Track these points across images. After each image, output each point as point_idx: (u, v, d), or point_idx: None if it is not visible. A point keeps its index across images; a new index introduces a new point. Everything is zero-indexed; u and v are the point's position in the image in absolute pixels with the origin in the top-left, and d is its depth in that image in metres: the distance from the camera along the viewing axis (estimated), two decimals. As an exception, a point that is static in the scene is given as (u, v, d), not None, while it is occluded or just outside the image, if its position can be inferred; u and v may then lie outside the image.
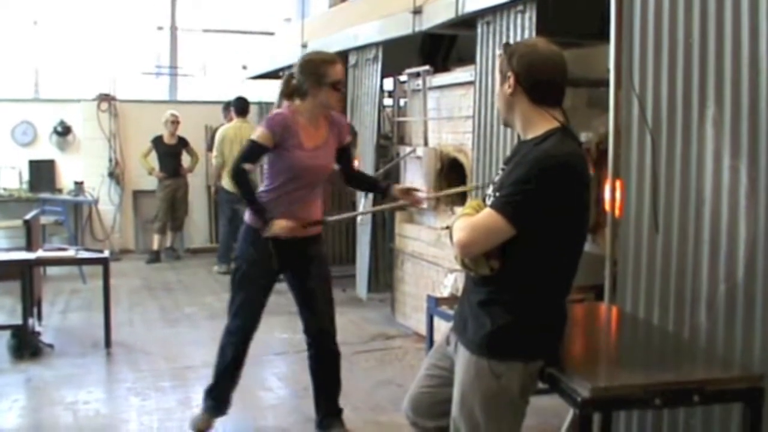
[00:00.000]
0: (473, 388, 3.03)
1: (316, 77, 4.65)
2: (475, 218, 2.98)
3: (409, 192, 5.00)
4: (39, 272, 7.83)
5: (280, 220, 4.69)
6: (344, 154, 4.98)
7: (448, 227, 3.14)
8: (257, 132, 4.77)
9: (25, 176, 11.80)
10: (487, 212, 2.95)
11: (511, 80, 3.04)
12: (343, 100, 4.83)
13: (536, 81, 3.02)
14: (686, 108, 3.95)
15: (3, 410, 5.56)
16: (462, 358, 3.10)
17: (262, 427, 5.44)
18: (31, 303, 7.01)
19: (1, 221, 10.17)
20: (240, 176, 4.74)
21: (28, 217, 7.63)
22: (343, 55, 8.76)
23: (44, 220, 10.07)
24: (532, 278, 2.99)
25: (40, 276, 7.95)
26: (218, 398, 5.05)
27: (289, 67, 10.54)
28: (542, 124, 3.03)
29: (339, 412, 5.11)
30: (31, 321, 6.94)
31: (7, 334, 6.91)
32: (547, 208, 2.88)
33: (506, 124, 3.26)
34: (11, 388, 6.00)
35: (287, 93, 4.81)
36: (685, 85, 3.95)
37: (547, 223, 2.90)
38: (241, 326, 4.97)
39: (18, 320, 6.92)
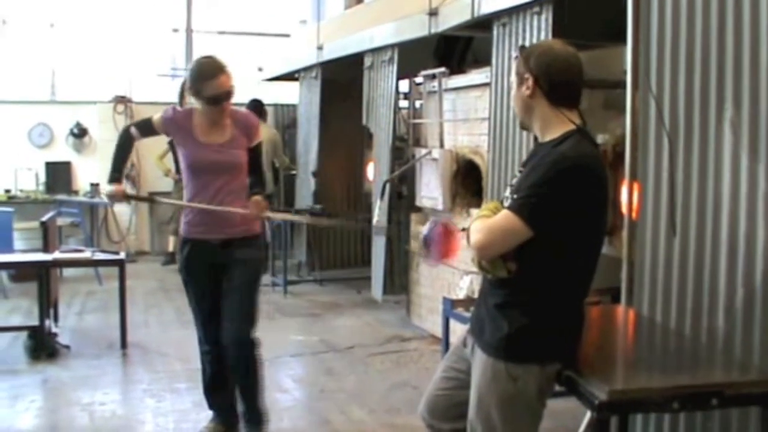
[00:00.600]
0: (490, 390, 3.02)
1: (195, 90, 4.67)
2: (492, 220, 2.98)
3: (254, 205, 4.79)
4: (55, 273, 7.86)
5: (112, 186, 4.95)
6: (252, 155, 4.86)
7: (464, 229, 3.14)
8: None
9: (42, 178, 11.86)
10: (504, 214, 2.94)
11: (530, 82, 3.03)
12: (224, 110, 4.73)
13: (555, 82, 3.01)
14: (704, 110, 3.93)
15: (20, 411, 5.58)
16: (479, 361, 3.09)
17: (278, 428, 5.42)
18: (47, 304, 7.04)
19: (18, 223, 10.19)
20: (123, 136, 5.08)
21: (44, 218, 7.66)
22: (358, 57, 8.78)
23: (60, 221, 10.12)
24: (549, 281, 2.98)
25: (56, 277, 7.98)
26: (220, 409, 5.08)
27: (306, 69, 10.60)
28: (560, 126, 3.02)
29: (259, 418, 4.96)
30: (47, 322, 6.97)
31: (24, 335, 6.93)
32: (563, 210, 2.87)
33: (524, 127, 3.25)
34: (28, 388, 6.03)
35: (183, 95, 4.93)
36: (702, 86, 3.93)
37: (564, 226, 2.89)
38: (203, 334, 4.95)
39: (35, 321, 6.95)
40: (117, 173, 5.06)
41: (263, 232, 5.02)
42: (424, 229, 3.95)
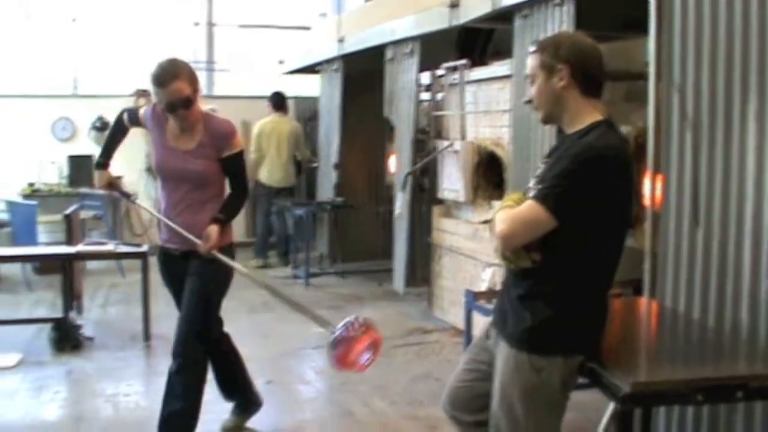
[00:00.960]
0: (513, 382, 3.03)
1: (154, 94, 4.43)
2: (516, 210, 2.97)
3: (205, 239, 4.45)
4: (79, 266, 7.91)
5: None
6: (226, 167, 4.59)
7: (487, 221, 3.14)
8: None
9: (65, 171, 11.92)
10: (529, 204, 2.94)
11: (564, 72, 3.00)
12: (187, 116, 4.45)
13: (588, 72, 3.01)
14: (728, 101, 3.91)
15: (45, 402, 5.63)
16: (502, 352, 3.09)
17: (300, 420, 5.46)
18: (71, 296, 7.09)
19: (41, 216, 10.27)
20: (116, 121, 4.88)
21: (68, 211, 7.71)
22: (379, 50, 8.78)
23: (83, 214, 10.17)
24: (573, 271, 2.97)
25: (80, 270, 8.03)
26: (237, 399, 5.14)
27: (327, 61, 10.60)
28: (589, 116, 3.01)
29: None
30: (72, 314, 7.02)
31: (48, 326, 6.98)
32: (588, 200, 2.87)
33: (547, 121, 3.21)
34: (53, 380, 6.07)
35: None
36: (726, 77, 3.91)
37: (589, 216, 2.89)
38: None
39: (59, 313, 7.01)
40: (103, 158, 4.88)
41: (229, 244, 4.68)
42: (339, 326, 3.94)
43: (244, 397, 5.16)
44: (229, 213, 4.60)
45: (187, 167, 4.51)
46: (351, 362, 4.00)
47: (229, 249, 4.68)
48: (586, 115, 3.01)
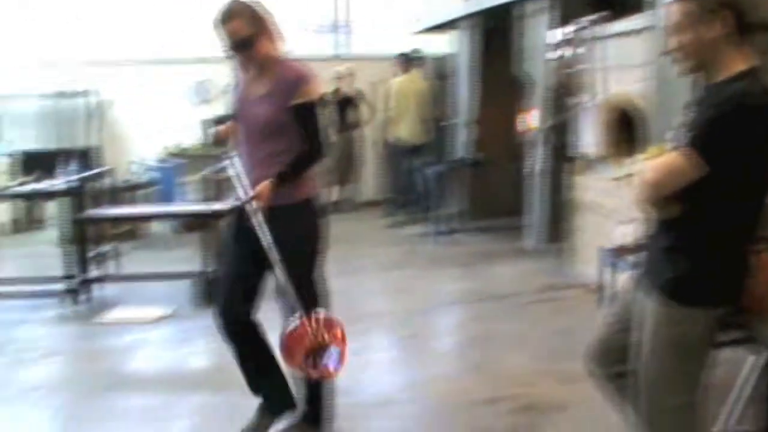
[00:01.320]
0: (656, 333, 2.99)
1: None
2: (663, 158, 2.91)
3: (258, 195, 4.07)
4: (220, 224, 8.13)
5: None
6: (296, 116, 4.10)
7: (627, 175, 3.09)
8: None
9: (207, 132, 12.23)
10: (677, 152, 2.86)
11: (722, 20, 2.88)
12: (248, 59, 4.14)
13: (743, 18, 2.90)
14: None
15: (189, 353, 5.88)
16: (645, 305, 3.05)
17: (433, 374, 5.50)
18: (213, 252, 7.33)
19: (185, 176, 10.65)
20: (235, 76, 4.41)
21: (209, 171, 7.94)
22: (511, 6, 8.70)
23: (224, 174, 10.46)
24: (718, 223, 2.90)
25: (221, 227, 8.27)
26: (265, 395, 4.64)
27: (460, 19, 10.54)
28: (737, 64, 2.90)
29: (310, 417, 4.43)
30: (215, 269, 7.25)
31: (193, 282, 7.25)
32: (735, 147, 2.78)
33: (694, 71, 3.08)
34: (196, 332, 6.32)
35: None
36: None
37: (736, 164, 2.80)
38: (220, 305, 4.49)
39: (201, 269, 7.24)
40: (226, 114, 4.54)
41: (306, 200, 4.24)
42: (289, 323, 3.90)
43: (274, 394, 4.63)
44: (293, 169, 4.12)
45: (254, 112, 4.14)
46: (291, 354, 3.99)
47: (307, 205, 4.27)
48: (735, 63, 2.90)
